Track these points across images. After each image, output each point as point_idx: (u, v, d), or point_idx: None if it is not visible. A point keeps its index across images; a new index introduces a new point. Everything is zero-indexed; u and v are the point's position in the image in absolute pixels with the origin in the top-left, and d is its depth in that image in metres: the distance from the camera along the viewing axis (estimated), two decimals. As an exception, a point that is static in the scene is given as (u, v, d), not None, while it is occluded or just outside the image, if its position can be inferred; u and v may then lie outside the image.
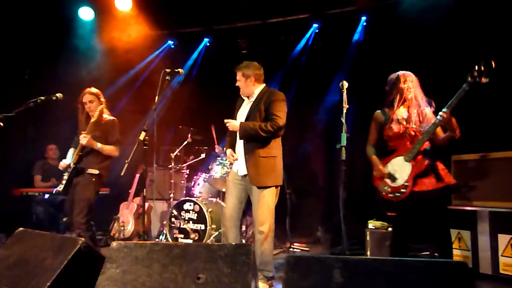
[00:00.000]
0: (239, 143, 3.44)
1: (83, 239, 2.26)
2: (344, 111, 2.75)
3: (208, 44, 6.89)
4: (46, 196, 5.40)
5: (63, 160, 3.98)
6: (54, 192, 3.90)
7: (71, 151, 4.11)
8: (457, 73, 4.41)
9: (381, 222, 4.62)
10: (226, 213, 3.46)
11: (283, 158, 3.47)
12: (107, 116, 4.07)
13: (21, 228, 2.70)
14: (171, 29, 6.81)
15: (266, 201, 3.29)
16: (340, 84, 3.02)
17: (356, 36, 5.86)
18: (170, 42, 6.96)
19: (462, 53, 4.66)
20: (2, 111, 3.84)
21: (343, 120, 2.68)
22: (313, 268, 1.72)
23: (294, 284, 1.70)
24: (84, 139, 3.76)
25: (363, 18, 5.84)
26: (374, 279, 1.65)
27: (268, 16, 6.25)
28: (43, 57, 6.25)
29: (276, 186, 3.37)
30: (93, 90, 4.03)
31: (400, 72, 3.08)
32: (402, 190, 2.90)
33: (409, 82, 3.01)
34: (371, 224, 4.70)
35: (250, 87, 3.46)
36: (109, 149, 3.96)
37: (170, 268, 2.00)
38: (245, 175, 3.38)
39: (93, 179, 3.87)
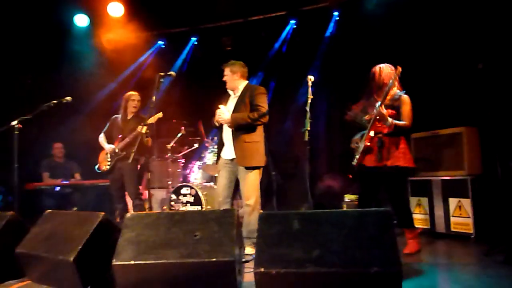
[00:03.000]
0: (227, 132, 3.97)
1: (103, 213, 2.84)
2: (309, 101, 3.31)
3: (195, 43, 7.39)
4: (57, 188, 5.93)
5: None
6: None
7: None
8: (422, 66, 4.94)
9: (356, 196, 5.24)
10: (218, 192, 4.03)
11: (268, 144, 4.03)
12: None
13: (49, 210, 3.28)
14: (161, 30, 7.26)
15: (251, 179, 3.84)
16: (307, 78, 3.56)
17: (329, 31, 6.39)
18: (160, 42, 7.44)
19: (428, 46, 5.12)
20: (6, 113, 4.33)
21: (307, 109, 3.25)
22: (279, 220, 2.34)
23: (266, 232, 2.32)
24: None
25: (335, 14, 6.35)
26: (322, 224, 2.26)
27: (249, 14, 6.73)
28: (43, 62, 6.73)
29: (260, 167, 3.93)
30: None
31: (378, 66, 3.61)
32: (355, 160, 3.58)
33: (385, 76, 3.52)
34: (347, 198, 5.35)
35: (236, 81, 4.00)
36: None
37: (173, 230, 2.58)
38: (232, 159, 3.93)
39: None
